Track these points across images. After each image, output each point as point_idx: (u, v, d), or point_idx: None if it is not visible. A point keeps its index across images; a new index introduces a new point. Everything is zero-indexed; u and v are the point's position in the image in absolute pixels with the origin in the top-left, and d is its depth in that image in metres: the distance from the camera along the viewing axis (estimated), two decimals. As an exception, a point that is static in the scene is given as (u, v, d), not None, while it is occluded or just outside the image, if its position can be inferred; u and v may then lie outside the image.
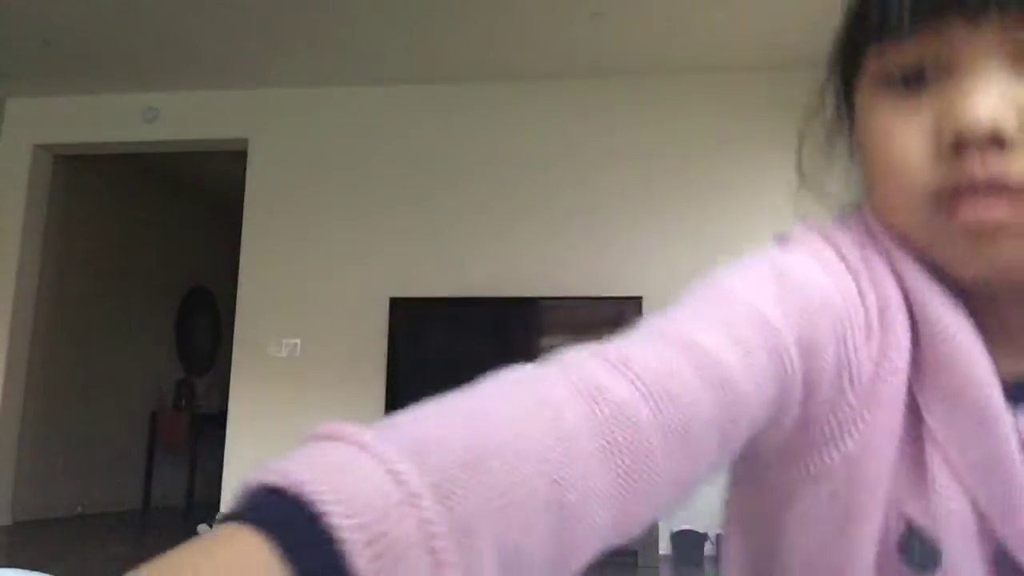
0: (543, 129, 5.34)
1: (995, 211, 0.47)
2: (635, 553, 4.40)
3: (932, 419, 0.51)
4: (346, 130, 5.56)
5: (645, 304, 4.82)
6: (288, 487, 0.36)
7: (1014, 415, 0.50)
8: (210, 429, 6.57)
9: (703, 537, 4.59)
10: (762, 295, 0.50)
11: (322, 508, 0.34)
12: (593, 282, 5.02)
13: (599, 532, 0.43)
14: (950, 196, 0.49)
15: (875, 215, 0.54)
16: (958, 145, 0.48)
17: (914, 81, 0.51)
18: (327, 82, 5.51)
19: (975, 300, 0.52)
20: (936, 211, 0.50)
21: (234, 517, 0.35)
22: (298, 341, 5.35)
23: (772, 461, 0.53)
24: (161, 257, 7.36)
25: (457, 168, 5.39)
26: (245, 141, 5.64)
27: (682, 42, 4.92)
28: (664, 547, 4.56)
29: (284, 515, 0.35)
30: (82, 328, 6.45)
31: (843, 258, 0.53)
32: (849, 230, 0.55)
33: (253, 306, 5.46)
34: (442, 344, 5.16)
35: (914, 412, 0.51)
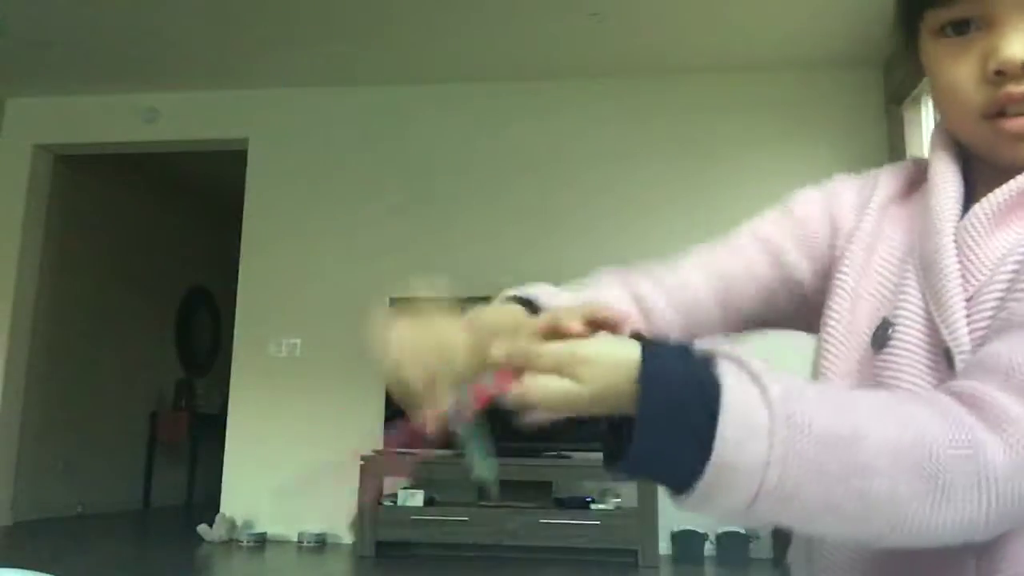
0: (543, 129, 5.34)
1: None
2: (635, 553, 4.40)
3: (917, 239, 0.74)
4: (346, 130, 5.56)
5: (645, 304, 4.82)
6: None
7: (957, 229, 0.71)
8: (210, 429, 6.57)
9: (703, 537, 4.59)
10: (763, 220, 0.89)
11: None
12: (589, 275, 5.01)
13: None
14: (995, 112, 0.70)
15: (945, 126, 0.77)
16: (999, 73, 0.68)
17: (963, 30, 0.70)
18: (327, 82, 5.51)
19: (985, 167, 0.74)
20: (984, 121, 0.71)
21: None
22: (298, 341, 5.35)
23: (816, 302, 0.81)
24: (161, 257, 7.36)
25: (457, 168, 5.39)
26: (245, 141, 5.64)
27: (681, 42, 4.92)
28: (664, 547, 4.56)
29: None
30: (82, 328, 6.45)
31: (856, 175, 0.89)
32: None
33: (253, 306, 5.45)
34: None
35: (909, 234, 0.77)
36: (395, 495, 4.67)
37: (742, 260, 0.85)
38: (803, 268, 0.83)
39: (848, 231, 0.81)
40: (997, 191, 0.69)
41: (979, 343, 0.65)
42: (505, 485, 4.57)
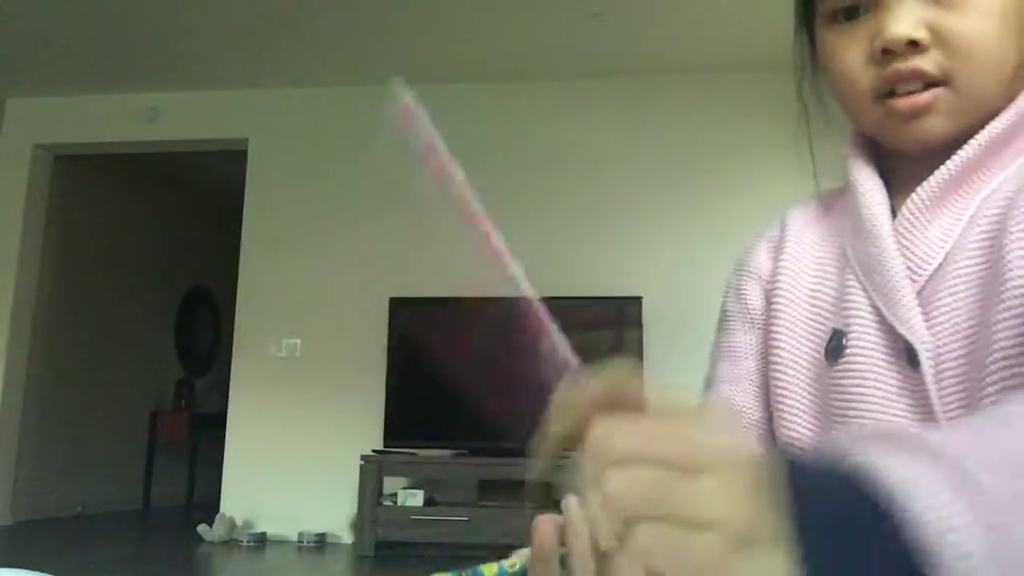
0: (543, 129, 5.34)
1: (920, 97, 0.69)
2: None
3: (849, 249, 0.74)
4: (346, 130, 5.56)
5: (645, 304, 4.82)
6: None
7: (893, 227, 0.71)
8: (210, 429, 6.57)
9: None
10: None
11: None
12: (593, 282, 5.02)
13: None
14: (886, 91, 0.70)
15: (853, 128, 0.78)
16: (886, 52, 0.68)
17: (852, 15, 0.71)
18: (327, 82, 5.51)
19: (898, 162, 0.75)
20: (876, 103, 0.71)
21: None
22: (298, 341, 5.35)
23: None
24: (161, 257, 7.36)
25: (456, 168, 5.39)
26: (245, 141, 5.64)
27: (682, 42, 4.92)
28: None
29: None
30: (82, 328, 6.45)
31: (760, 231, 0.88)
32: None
33: (253, 306, 5.45)
34: (442, 344, 5.16)
35: (843, 250, 0.76)
36: (395, 495, 4.68)
37: (735, 384, 0.82)
38: (762, 340, 0.82)
39: (770, 270, 0.82)
40: (928, 181, 0.69)
41: (946, 334, 0.64)
42: (505, 485, 4.57)
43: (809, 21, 0.78)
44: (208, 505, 5.58)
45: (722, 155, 5.12)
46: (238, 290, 5.51)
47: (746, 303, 0.84)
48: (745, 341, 0.83)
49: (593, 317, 5.01)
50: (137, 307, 7.07)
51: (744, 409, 0.81)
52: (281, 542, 5.03)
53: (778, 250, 0.82)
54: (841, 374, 0.70)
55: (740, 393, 0.82)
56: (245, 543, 4.90)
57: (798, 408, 0.74)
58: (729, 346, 0.85)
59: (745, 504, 0.33)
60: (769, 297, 0.81)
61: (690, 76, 5.23)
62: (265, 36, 4.95)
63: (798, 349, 0.75)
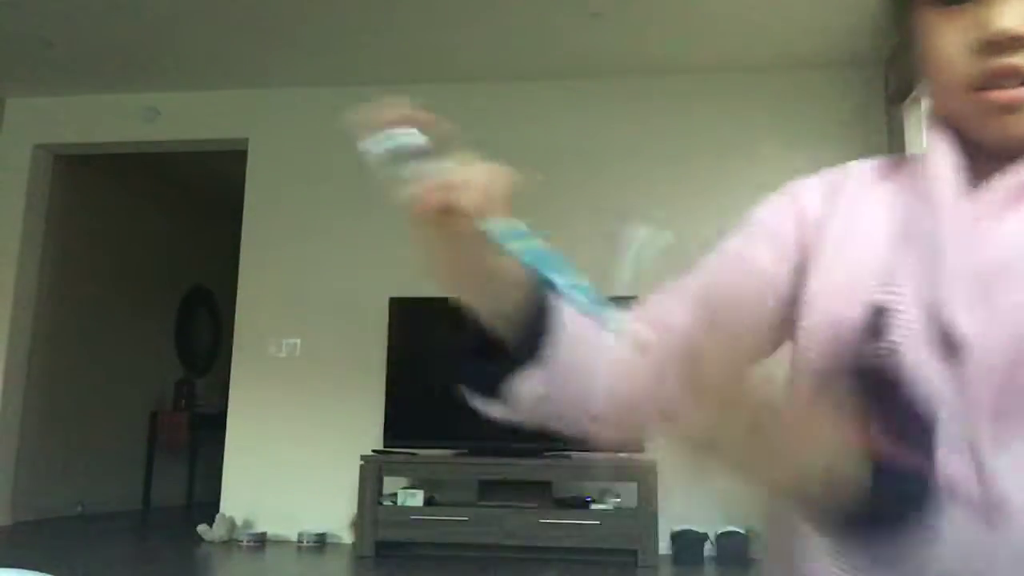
0: (542, 129, 5.34)
1: (1018, 92, 0.67)
2: (635, 553, 4.40)
3: (910, 223, 0.72)
4: (346, 130, 5.55)
5: (645, 304, 4.82)
6: None
7: (965, 212, 0.69)
8: (210, 429, 6.56)
9: (703, 537, 4.59)
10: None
11: None
12: (592, 282, 5.01)
13: None
14: (982, 84, 0.68)
15: (932, 101, 0.75)
16: (990, 44, 0.67)
17: (955, 1, 0.69)
18: (327, 82, 5.51)
19: (976, 156, 0.72)
20: (970, 93, 0.69)
21: None
22: (298, 341, 5.35)
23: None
24: (161, 257, 7.36)
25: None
26: (245, 141, 5.64)
27: (682, 42, 4.92)
28: (664, 547, 4.56)
29: None
30: (82, 328, 6.45)
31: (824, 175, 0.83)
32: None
33: (253, 306, 5.45)
34: (442, 344, 5.15)
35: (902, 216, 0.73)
36: (395, 495, 4.67)
37: (723, 287, 0.80)
38: (781, 271, 0.78)
39: (817, 219, 0.78)
40: (1011, 176, 0.68)
41: (999, 334, 0.63)
42: (505, 485, 4.57)
43: (901, 3, 0.76)
44: (208, 505, 5.58)
45: (722, 155, 5.11)
46: (238, 290, 5.51)
47: (779, 225, 0.80)
48: (757, 256, 0.80)
49: (593, 317, 5.01)
50: (137, 307, 7.07)
51: (670, 315, 0.78)
52: (281, 542, 5.03)
53: (835, 196, 0.78)
54: (877, 352, 0.67)
55: (705, 288, 0.80)
56: (245, 543, 4.90)
57: (824, 378, 0.71)
58: (736, 254, 0.82)
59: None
60: (802, 242, 0.78)
61: (690, 76, 5.23)
62: (265, 36, 4.95)
63: (833, 314, 0.72)
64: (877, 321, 0.68)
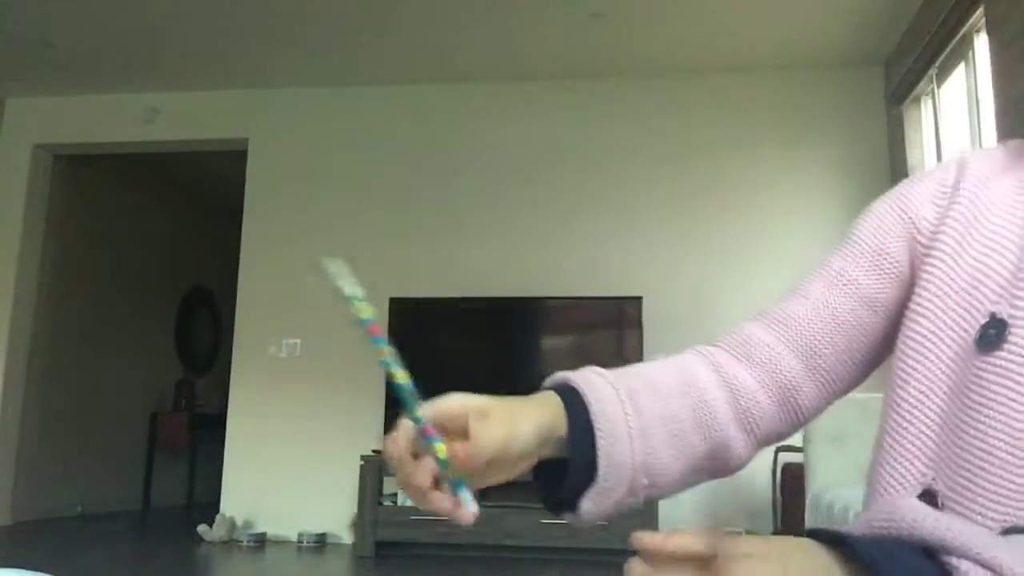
0: (542, 129, 5.34)
1: None
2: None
3: None
4: (346, 130, 5.56)
5: (645, 304, 4.82)
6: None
7: None
8: (210, 429, 6.57)
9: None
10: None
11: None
12: (593, 282, 5.02)
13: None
14: None
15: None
16: None
17: None
18: (327, 82, 5.51)
19: None
20: None
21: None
22: (298, 341, 5.35)
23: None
24: (161, 257, 7.36)
25: (457, 168, 5.39)
26: (245, 141, 5.64)
27: (681, 42, 4.92)
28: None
29: None
30: (82, 328, 6.45)
31: (929, 170, 0.78)
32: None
33: (253, 306, 5.45)
34: (442, 344, 5.16)
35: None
36: (395, 495, 4.67)
37: (818, 312, 0.77)
38: (885, 290, 0.75)
39: (932, 223, 0.73)
40: None
41: None
42: (505, 485, 4.56)
43: None
44: (208, 505, 5.58)
45: (722, 155, 5.11)
46: (238, 290, 5.51)
47: (883, 244, 0.75)
48: (857, 275, 0.76)
49: (593, 317, 5.01)
50: (137, 307, 7.07)
51: (798, 331, 0.77)
52: (281, 542, 5.03)
53: (949, 201, 0.72)
54: (989, 367, 0.62)
55: (806, 320, 0.77)
56: (245, 543, 4.90)
57: (926, 387, 0.67)
58: (838, 272, 0.77)
59: None
60: (918, 253, 0.73)
61: (690, 76, 5.23)
62: (265, 36, 4.95)
63: (944, 323, 0.68)
64: (994, 334, 0.63)
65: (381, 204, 5.42)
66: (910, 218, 0.74)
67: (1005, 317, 0.63)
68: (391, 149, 5.48)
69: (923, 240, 0.73)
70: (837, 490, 2.91)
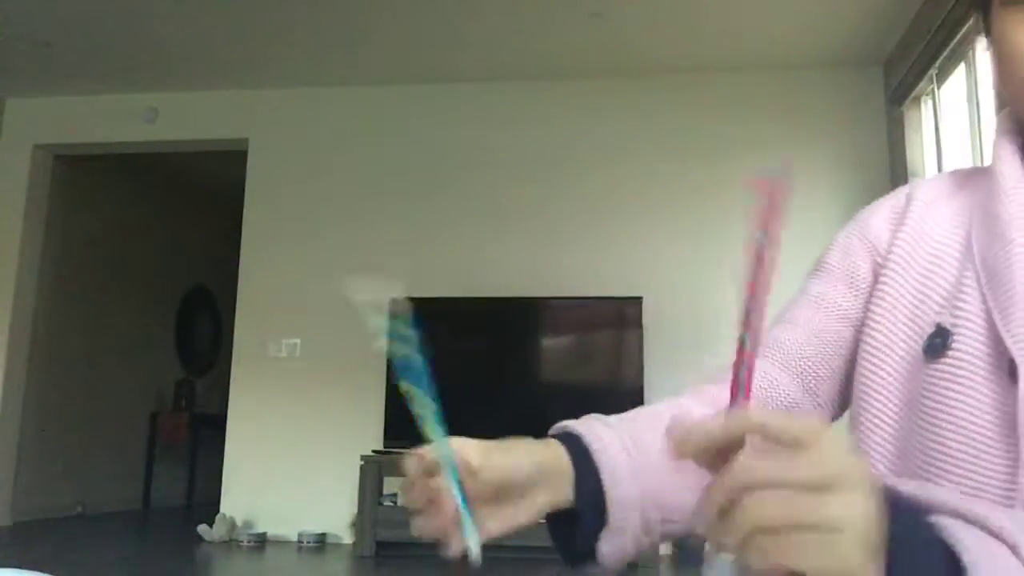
0: (543, 129, 5.34)
1: None
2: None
3: (975, 241, 0.70)
4: (346, 130, 5.56)
5: (645, 304, 4.82)
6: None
7: None
8: (210, 429, 6.57)
9: (703, 537, 4.59)
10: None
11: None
12: (593, 282, 5.02)
13: None
14: None
15: (1000, 102, 0.75)
16: None
17: None
18: (327, 82, 5.51)
19: None
20: None
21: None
22: (298, 341, 5.35)
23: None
24: (161, 257, 7.36)
25: (457, 168, 5.39)
26: (245, 141, 5.64)
27: (681, 42, 4.92)
28: (664, 547, 4.56)
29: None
30: (82, 328, 6.45)
31: (884, 198, 0.84)
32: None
33: (253, 306, 5.45)
34: (442, 344, 5.16)
35: (968, 244, 0.72)
36: (395, 495, 4.67)
37: (808, 335, 0.81)
38: (859, 307, 0.80)
39: (886, 243, 0.79)
40: None
41: None
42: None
43: (985, 2, 0.76)
44: (208, 505, 5.58)
45: (721, 154, 5.11)
46: (238, 290, 5.51)
47: (852, 265, 0.81)
48: (835, 297, 0.81)
49: (593, 317, 5.01)
50: (137, 307, 7.07)
51: (791, 354, 0.81)
52: (281, 542, 5.03)
53: (898, 223, 0.79)
54: (937, 374, 0.67)
55: (798, 344, 0.81)
56: (245, 543, 4.90)
57: (883, 397, 0.72)
58: (817, 296, 0.83)
59: (867, 513, 0.41)
60: (876, 271, 0.79)
61: (689, 76, 5.22)
62: (264, 36, 4.94)
63: (895, 335, 0.73)
64: (939, 342, 0.68)
65: (381, 204, 5.42)
66: (870, 241, 0.81)
67: (948, 326, 0.68)
68: (391, 149, 5.48)
69: (879, 260, 0.79)
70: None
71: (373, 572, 4.32)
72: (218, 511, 5.13)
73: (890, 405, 0.71)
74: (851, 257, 0.81)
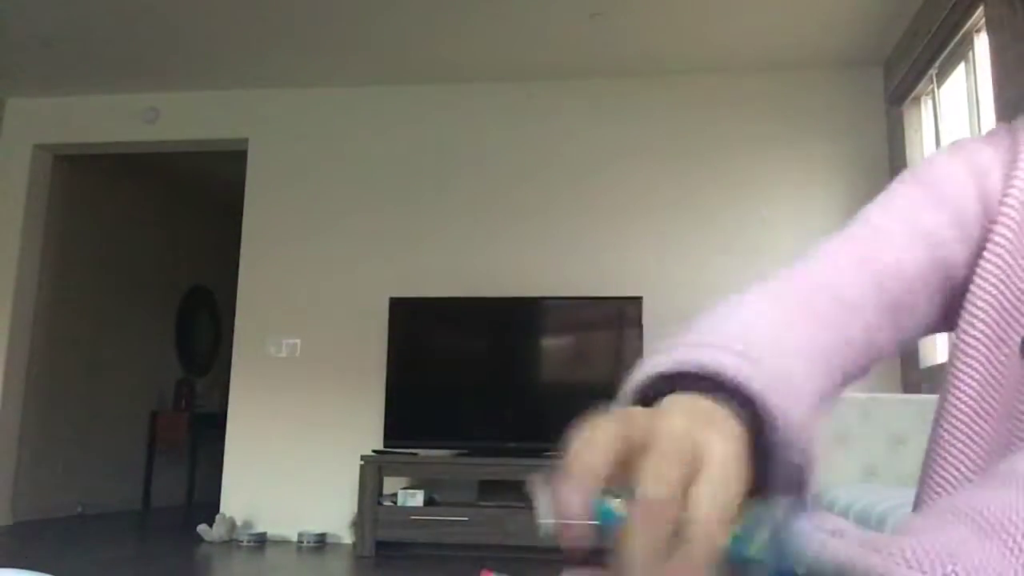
0: (543, 129, 5.34)
1: None
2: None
3: None
4: (346, 130, 5.56)
5: (645, 304, 4.82)
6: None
7: None
8: (210, 429, 6.57)
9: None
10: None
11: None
12: (593, 282, 5.02)
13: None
14: None
15: None
16: None
17: None
18: (327, 82, 5.51)
19: None
20: None
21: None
22: (298, 341, 5.35)
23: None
24: (161, 257, 7.36)
25: (457, 168, 5.39)
26: (245, 141, 5.64)
27: (681, 42, 4.92)
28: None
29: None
30: (82, 328, 6.45)
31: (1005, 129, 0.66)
32: None
33: (253, 306, 5.45)
34: (442, 344, 5.16)
35: None
36: (395, 495, 4.67)
37: (892, 254, 0.61)
38: (957, 248, 0.61)
39: (999, 190, 0.60)
40: None
41: None
42: (505, 485, 4.57)
43: None
44: (208, 505, 5.58)
45: (722, 154, 5.11)
46: (238, 290, 5.51)
47: (956, 194, 0.61)
48: (934, 221, 0.61)
49: (593, 317, 5.01)
50: (137, 307, 7.07)
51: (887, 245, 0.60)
52: (281, 542, 5.03)
53: (1010, 167, 0.60)
54: None
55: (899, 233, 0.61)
56: (245, 543, 4.90)
57: (976, 393, 0.59)
58: (927, 231, 0.61)
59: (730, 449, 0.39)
60: (985, 225, 0.60)
61: (690, 76, 5.22)
62: (265, 36, 4.94)
63: (1004, 323, 0.58)
64: None
65: (381, 204, 5.42)
66: (983, 171, 0.62)
67: None
68: (391, 149, 5.48)
69: (993, 207, 0.61)
70: (838, 490, 2.91)
71: (373, 572, 4.32)
72: (218, 511, 5.13)
73: (984, 403, 0.59)
74: (959, 187, 0.61)
